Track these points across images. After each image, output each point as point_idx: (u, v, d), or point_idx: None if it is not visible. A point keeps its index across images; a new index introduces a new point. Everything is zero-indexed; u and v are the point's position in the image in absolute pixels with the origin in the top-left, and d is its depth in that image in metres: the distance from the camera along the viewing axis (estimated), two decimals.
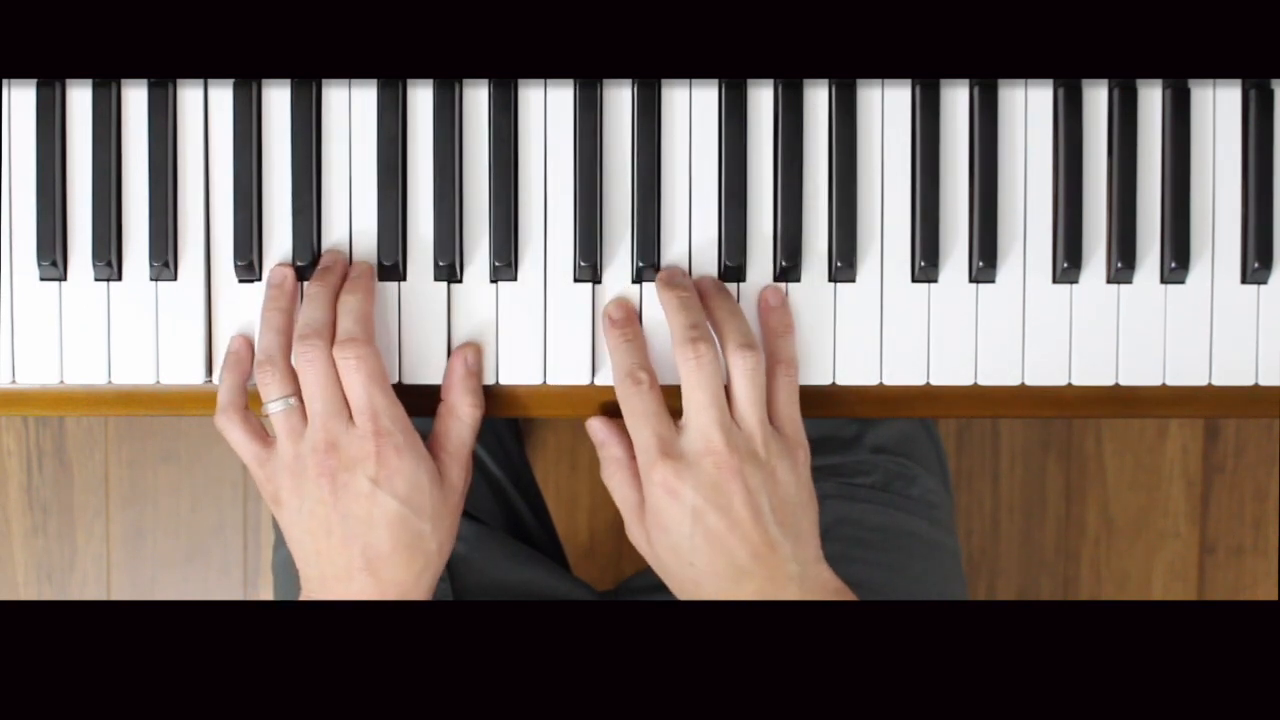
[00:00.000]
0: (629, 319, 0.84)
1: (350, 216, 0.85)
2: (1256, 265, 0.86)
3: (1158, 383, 0.87)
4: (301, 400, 0.81)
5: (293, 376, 0.82)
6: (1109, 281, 0.86)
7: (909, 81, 0.86)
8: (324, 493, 0.80)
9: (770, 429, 0.81)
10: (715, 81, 0.85)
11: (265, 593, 1.64)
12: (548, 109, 0.85)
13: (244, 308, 0.85)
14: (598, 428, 0.85)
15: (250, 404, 0.84)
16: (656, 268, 0.85)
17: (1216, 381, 0.87)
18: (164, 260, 0.84)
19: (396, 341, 0.85)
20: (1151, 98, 0.86)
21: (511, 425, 1.18)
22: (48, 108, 0.84)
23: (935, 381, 0.86)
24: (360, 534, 0.80)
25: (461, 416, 0.84)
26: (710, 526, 0.79)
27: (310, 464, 0.80)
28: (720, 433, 0.80)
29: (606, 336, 0.84)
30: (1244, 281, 0.87)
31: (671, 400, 0.82)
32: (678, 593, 0.83)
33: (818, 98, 0.86)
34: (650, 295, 0.85)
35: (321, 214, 0.85)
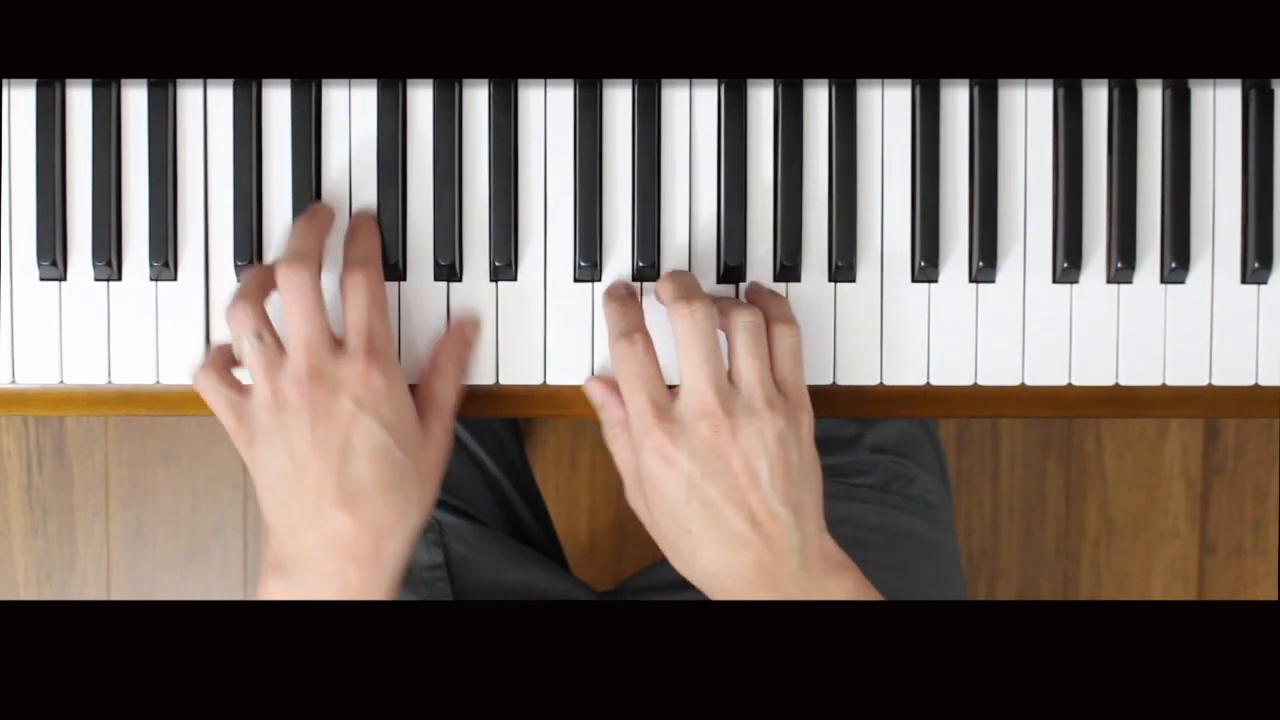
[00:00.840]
0: (630, 293, 0.84)
1: (350, 216, 0.85)
2: (1256, 265, 0.86)
3: (1158, 383, 0.87)
4: (274, 338, 0.79)
5: (263, 315, 0.79)
6: (1109, 281, 0.86)
7: (909, 81, 0.86)
8: (303, 422, 0.77)
9: (772, 387, 0.79)
10: (715, 81, 0.85)
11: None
12: (548, 109, 0.85)
13: None
14: (596, 389, 0.83)
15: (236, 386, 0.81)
16: (656, 268, 0.85)
17: (1216, 381, 0.87)
18: (164, 260, 0.84)
19: (396, 340, 0.85)
20: (1151, 98, 0.86)
21: (511, 425, 1.18)
22: (48, 108, 0.84)
23: (935, 381, 0.86)
24: (339, 464, 0.77)
25: (449, 377, 0.82)
26: (706, 494, 0.77)
27: (291, 393, 0.77)
28: (715, 393, 0.77)
29: (604, 308, 0.83)
30: (1244, 281, 0.87)
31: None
32: (675, 561, 0.81)
33: (818, 98, 0.86)
34: (651, 296, 0.85)
35: None
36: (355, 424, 0.77)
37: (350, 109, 0.85)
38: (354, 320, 0.79)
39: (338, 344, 0.79)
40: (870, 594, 0.80)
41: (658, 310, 0.84)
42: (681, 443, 0.78)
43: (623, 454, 0.82)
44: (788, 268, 0.85)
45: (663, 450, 0.78)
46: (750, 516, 0.77)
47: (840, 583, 0.79)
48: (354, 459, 0.77)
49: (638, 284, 0.85)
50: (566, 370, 0.85)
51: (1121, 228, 0.86)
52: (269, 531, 0.80)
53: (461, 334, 0.84)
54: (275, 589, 0.79)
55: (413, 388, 0.82)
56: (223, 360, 0.81)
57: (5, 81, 0.84)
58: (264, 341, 0.78)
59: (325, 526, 0.77)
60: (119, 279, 0.85)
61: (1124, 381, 0.87)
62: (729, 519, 0.77)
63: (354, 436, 0.77)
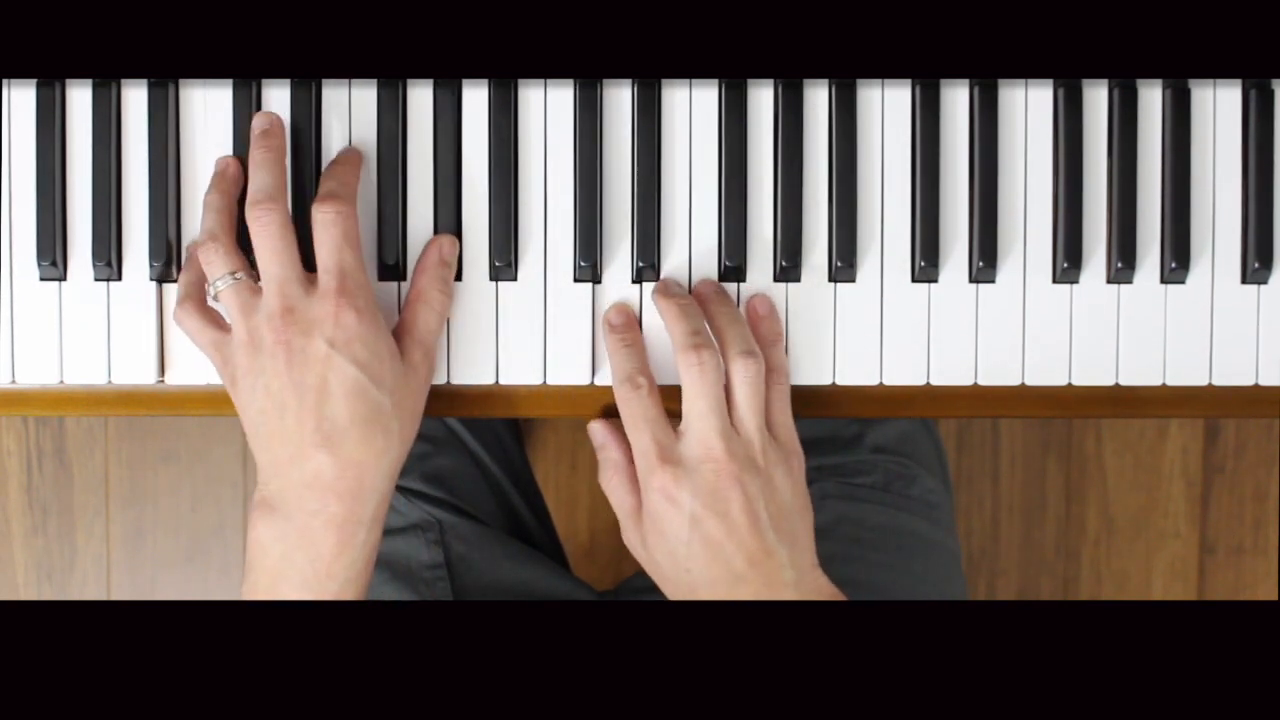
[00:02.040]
0: (628, 324, 0.84)
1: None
2: (1256, 265, 0.86)
3: (1158, 383, 0.87)
4: (250, 276, 0.79)
5: (237, 253, 0.80)
6: (1109, 281, 0.86)
7: (909, 81, 0.86)
8: (279, 363, 0.77)
9: (768, 436, 0.81)
10: (715, 81, 0.85)
11: None
12: (548, 109, 0.85)
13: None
14: (598, 430, 0.85)
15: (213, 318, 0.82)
16: (656, 268, 0.85)
17: (1216, 381, 0.87)
18: (164, 260, 0.84)
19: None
20: (1151, 98, 0.86)
21: (511, 425, 1.18)
22: (48, 108, 0.84)
23: (935, 381, 0.86)
24: (316, 404, 0.77)
25: (431, 303, 0.82)
26: (708, 533, 0.79)
27: (265, 333, 0.78)
28: (720, 440, 0.80)
29: (606, 341, 0.84)
30: (1244, 281, 0.87)
31: (671, 403, 0.82)
32: (672, 597, 0.83)
33: (818, 98, 0.86)
34: (650, 295, 0.85)
35: None
36: (330, 364, 0.77)
37: (350, 109, 0.85)
38: (323, 258, 0.79)
39: (311, 280, 0.79)
40: None
41: (652, 305, 0.84)
42: (685, 484, 0.80)
43: (617, 494, 0.84)
44: (787, 268, 0.85)
45: (667, 491, 0.80)
46: (749, 556, 0.79)
47: None
48: (330, 399, 0.77)
49: (637, 285, 0.85)
50: (566, 370, 0.85)
51: (1121, 228, 0.86)
52: (257, 469, 0.81)
53: (439, 254, 0.83)
54: (264, 527, 0.79)
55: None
56: (198, 292, 0.82)
57: (5, 81, 0.84)
58: (239, 280, 0.79)
59: (306, 465, 0.78)
60: (119, 279, 0.84)
61: (1124, 381, 0.87)
62: (729, 557, 0.79)
63: (329, 376, 0.77)
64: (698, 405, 0.80)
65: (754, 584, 0.79)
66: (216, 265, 0.79)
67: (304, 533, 0.78)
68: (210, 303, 0.82)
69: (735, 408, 0.81)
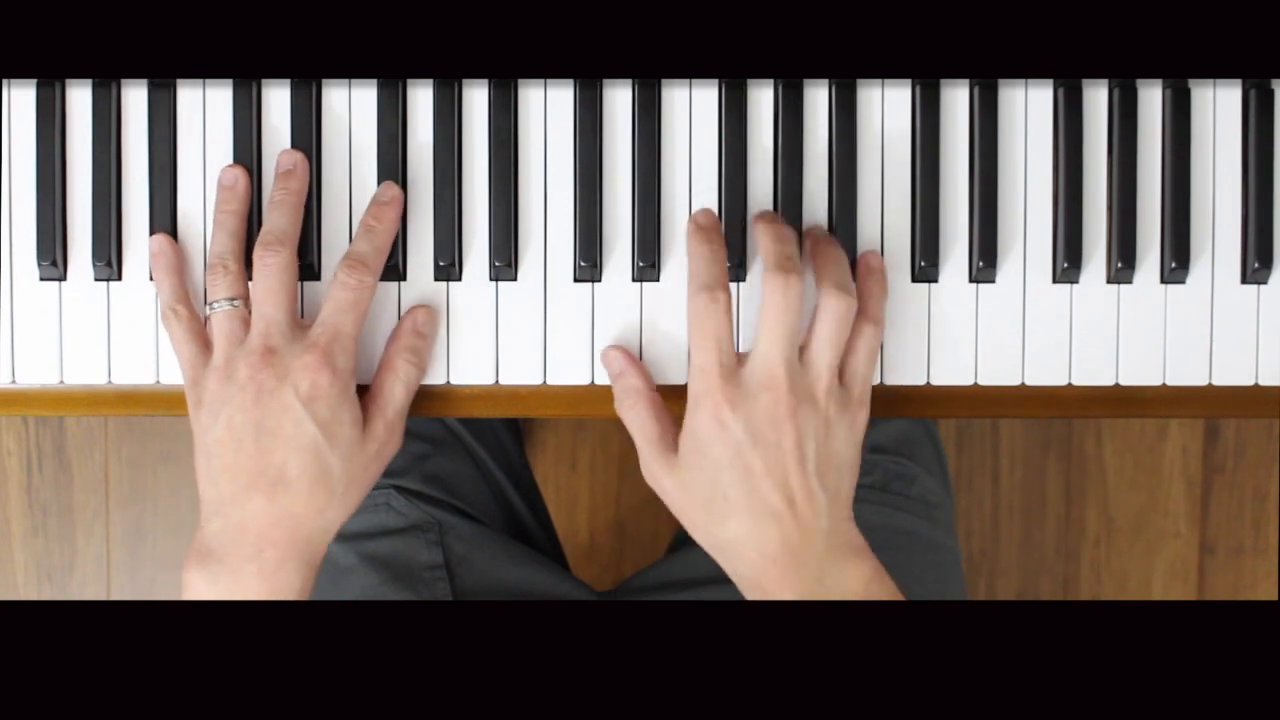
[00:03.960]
0: (716, 226, 0.83)
1: (350, 216, 0.85)
2: (1256, 265, 0.86)
3: (1158, 383, 0.87)
4: (248, 306, 0.80)
5: (243, 280, 0.81)
6: (1109, 281, 0.86)
7: (909, 81, 0.86)
8: (246, 399, 0.78)
9: (837, 380, 0.80)
10: (715, 81, 0.85)
11: None
12: (548, 109, 0.85)
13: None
14: (615, 357, 0.83)
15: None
16: (656, 268, 0.85)
17: (1216, 381, 0.87)
18: None
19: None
20: (1151, 98, 0.86)
21: (511, 425, 1.18)
22: (48, 108, 0.84)
23: (935, 381, 0.86)
24: (270, 449, 0.78)
25: (398, 373, 0.82)
26: (751, 463, 0.78)
27: (241, 367, 0.79)
28: (785, 369, 0.78)
29: (690, 242, 0.82)
30: (1244, 281, 0.87)
31: (673, 407, 0.82)
32: (696, 527, 0.80)
33: (818, 98, 0.86)
34: (650, 296, 0.85)
35: (322, 214, 0.85)
36: (293, 416, 0.78)
37: (350, 109, 0.85)
38: (326, 314, 0.80)
39: (301, 326, 0.80)
40: (885, 581, 0.81)
41: (652, 306, 0.84)
42: (740, 409, 0.78)
43: (640, 420, 0.82)
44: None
45: (719, 413, 0.78)
46: (788, 494, 0.78)
47: (858, 567, 0.80)
48: (284, 448, 0.78)
49: (637, 285, 0.85)
50: (566, 370, 0.85)
51: (1121, 228, 0.86)
52: (201, 502, 0.81)
53: (413, 325, 0.83)
54: (198, 572, 0.80)
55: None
56: (185, 297, 0.82)
57: (5, 81, 0.84)
58: (235, 308, 0.80)
59: (247, 507, 0.79)
60: (119, 279, 0.85)
61: (1124, 381, 0.87)
62: (767, 493, 0.78)
63: (289, 428, 0.78)
64: (771, 329, 0.78)
65: (787, 524, 0.78)
66: (221, 289, 0.81)
67: (236, 578, 0.79)
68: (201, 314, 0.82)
69: (812, 341, 0.79)
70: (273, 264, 0.80)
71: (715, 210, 0.85)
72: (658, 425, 0.81)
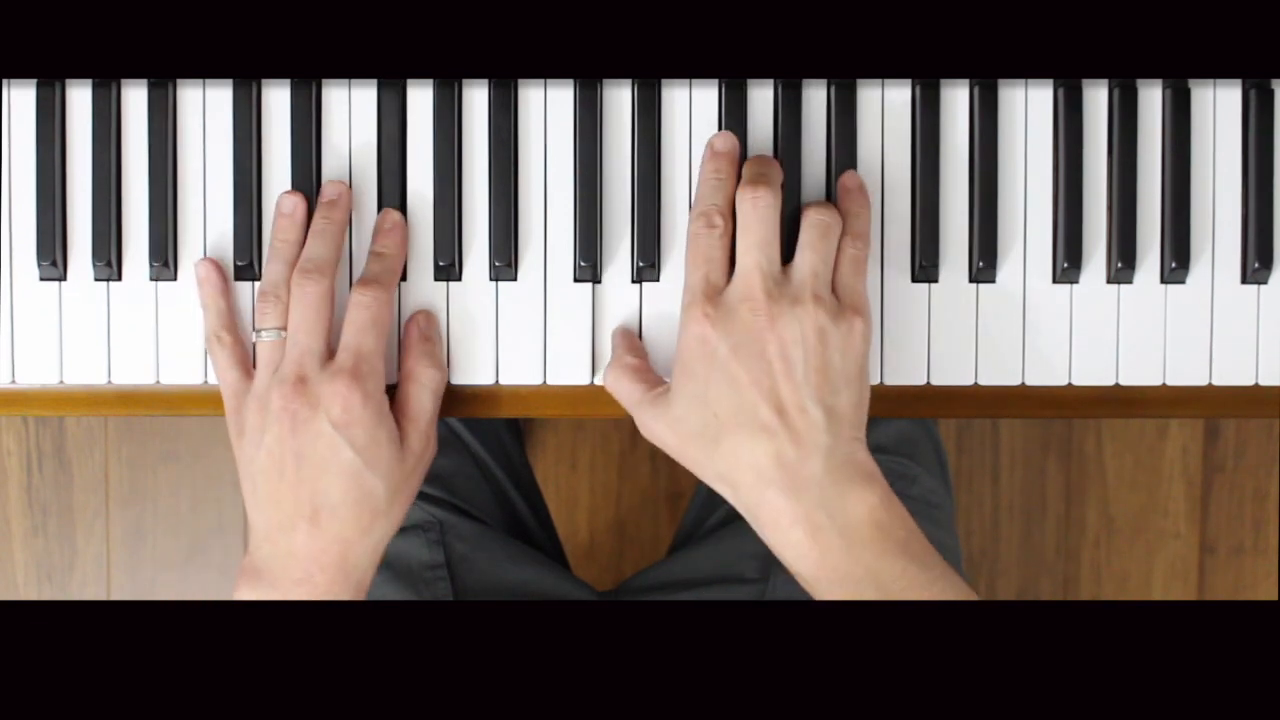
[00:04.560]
0: (730, 156, 0.83)
1: (350, 216, 0.85)
2: (1256, 265, 0.86)
3: (1158, 383, 0.87)
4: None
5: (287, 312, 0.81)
6: (1109, 281, 0.86)
7: (909, 81, 0.86)
8: (284, 428, 0.79)
9: (826, 286, 0.79)
10: (715, 81, 0.85)
11: None
12: (548, 109, 0.85)
13: (243, 306, 0.85)
14: (622, 336, 0.84)
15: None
16: (656, 268, 0.85)
17: (1216, 381, 0.87)
18: (164, 260, 0.84)
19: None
20: (1151, 98, 0.86)
21: (511, 425, 1.18)
22: (48, 108, 0.84)
23: (935, 381, 0.86)
24: (311, 478, 0.79)
25: (419, 380, 0.82)
26: (736, 376, 0.77)
27: (275, 396, 0.79)
28: (760, 278, 0.78)
29: (703, 165, 0.83)
30: (1244, 281, 0.87)
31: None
32: (697, 457, 0.79)
33: (818, 98, 0.86)
34: (650, 296, 0.85)
35: None
36: (329, 443, 0.79)
37: (350, 109, 0.85)
38: (347, 338, 0.80)
39: (332, 356, 0.80)
40: (894, 508, 0.77)
41: (654, 306, 0.84)
42: (720, 324, 0.78)
43: (624, 387, 0.82)
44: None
45: (702, 329, 0.78)
46: (778, 405, 0.76)
47: (864, 495, 0.77)
48: (325, 476, 0.79)
49: (637, 285, 0.85)
50: (566, 370, 0.85)
51: (1121, 228, 0.86)
52: (250, 530, 0.82)
53: (419, 331, 0.84)
54: (248, 592, 0.81)
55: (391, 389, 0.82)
56: (232, 323, 0.83)
57: (5, 81, 0.84)
58: (281, 337, 0.81)
59: (295, 536, 0.79)
60: (119, 279, 0.85)
61: (1124, 381, 0.87)
62: (755, 404, 0.76)
63: (327, 455, 0.79)
64: (745, 239, 0.79)
65: (780, 439, 0.76)
66: (270, 317, 0.81)
67: (286, 600, 0.80)
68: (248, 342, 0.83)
69: (798, 250, 0.80)
70: (311, 292, 0.80)
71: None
72: (642, 385, 0.81)
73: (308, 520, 0.79)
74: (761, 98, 0.85)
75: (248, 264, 0.84)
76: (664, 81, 0.85)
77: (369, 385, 0.79)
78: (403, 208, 0.84)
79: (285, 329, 0.81)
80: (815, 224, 0.80)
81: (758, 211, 0.79)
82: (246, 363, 0.82)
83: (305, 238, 0.83)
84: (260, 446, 0.80)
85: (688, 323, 0.79)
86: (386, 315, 0.81)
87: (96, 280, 0.84)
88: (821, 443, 0.76)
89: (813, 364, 0.77)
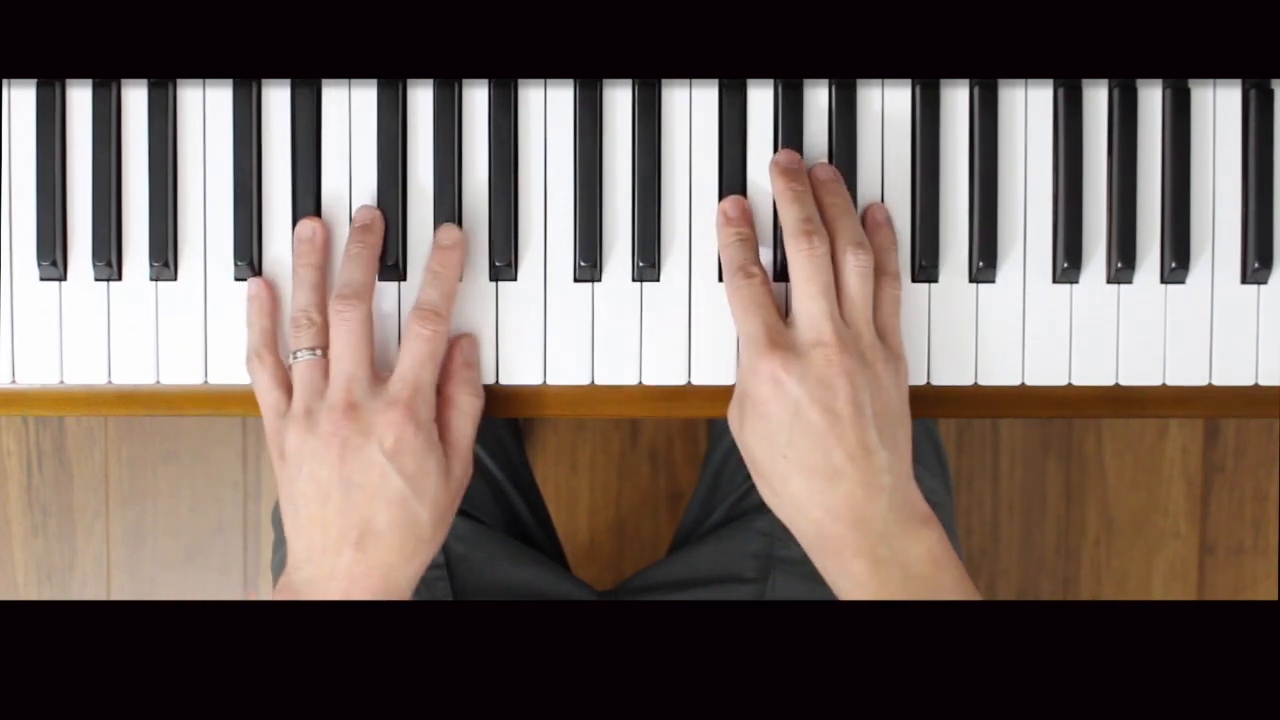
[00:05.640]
0: (743, 218, 0.84)
1: (350, 216, 0.85)
2: (1256, 265, 0.86)
3: (1158, 383, 0.87)
4: (327, 355, 0.81)
5: (327, 331, 0.82)
6: (1109, 281, 0.86)
7: (909, 81, 0.86)
8: (331, 454, 0.79)
9: (875, 333, 0.81)
10: (715, 81, 0.85)
11: (265, 593, 1.64)
12: (548, 109, 0.85)
13: (244, 307, 0.84)
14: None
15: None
16: (656, 267, 0.85)
17: (1216, 381, 0.87)
18: (164, 260, 0.84)
19: (396, 341, 0.85)
20: (1151, 98, 0.86)
21: (511, 425, 1.18)
22: (48, 108, 0.84)
23: (936, 381, 0.86)
24: (360, 505, 0.79)
25: (460, 407, 0.83)
26: (811, 420, 0.79)
27: (324, 422, 0.79)
28: (831, 324, 0.79)
29: (719, 233, 0.84)
30: (1244, 281, 0.87)
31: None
32: (763, 490, 0.82)
33: (818, 98, 0.86)
34: (650, 296, 0.85)
35: (322, 214, 0.85)
36: (379, 471, 0.79)
37: (350, 109, 0.85)
38: (405, 368, 0.80)
39: (379, 380, 0.81)
40: (950, 552, 0.81)
41: (654, 306, 0.84)
42: (794, 368, 0.79)
43: (760, 313, 0.81)
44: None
45: (775, 374, 0.79)
46: (849, 451, 0.79)
47: (923, 534, 0.80)
48: (374, 503, 0.79)
49: (637, 285, 0.85)
50: (566, 370, 0.85)
51: (1121, 228, 0.86)
52: (289, 551, 0.82)
53: (463, 358, 0.84)
54: None
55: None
56: (273, 343, 0.83)
57: (5, 81, 0.84)
58: (318, 358, 0.81)
59: (339, 560, 0.80)
60: (119, 279, 0.85)
61: (1124, 381, 0.87)
62: (829, 449, 0.79)
63: (377, 482, 0.79)
64: (808, 288, 0.80)
65: (850, 481, 0.79)
66: (305, 338, 0.81)
67: None
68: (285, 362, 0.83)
69: (844, 298, 0.81)
70: (351, 318, 0.80)
71: (716, 203, 0.85)
72: (767, 328, 0.81)
73: (353, 546, 0.79)
74: (761, 98, 0.85)
75: (248, 263, 0.84)
76: (664, 81, 0.85)
77: (421, 415, 0.80)
78: (403, 207, 0.84)
79: (319, 349, 0.81)
80: (857, 272, 0.81)
81: (815, 260, 0.80)
82: (286, 383, 0.82)
83: (325, 261, 0.83)
84: (303, 471, 0.80)
85: (757, 364, 0.80)
86: (443, 348, 0.82)
87: (96, 280, 0.84)
88: (886, 483, 0.79)
89: (877, 408, 0.79)
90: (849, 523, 0.79)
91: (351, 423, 0.79)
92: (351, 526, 0.79)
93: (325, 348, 0.81)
